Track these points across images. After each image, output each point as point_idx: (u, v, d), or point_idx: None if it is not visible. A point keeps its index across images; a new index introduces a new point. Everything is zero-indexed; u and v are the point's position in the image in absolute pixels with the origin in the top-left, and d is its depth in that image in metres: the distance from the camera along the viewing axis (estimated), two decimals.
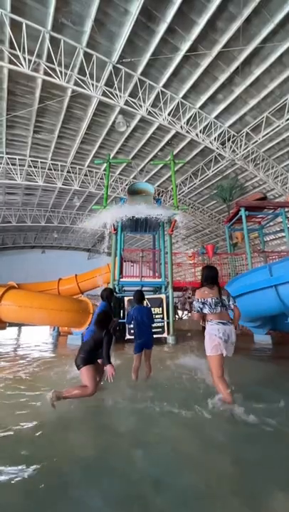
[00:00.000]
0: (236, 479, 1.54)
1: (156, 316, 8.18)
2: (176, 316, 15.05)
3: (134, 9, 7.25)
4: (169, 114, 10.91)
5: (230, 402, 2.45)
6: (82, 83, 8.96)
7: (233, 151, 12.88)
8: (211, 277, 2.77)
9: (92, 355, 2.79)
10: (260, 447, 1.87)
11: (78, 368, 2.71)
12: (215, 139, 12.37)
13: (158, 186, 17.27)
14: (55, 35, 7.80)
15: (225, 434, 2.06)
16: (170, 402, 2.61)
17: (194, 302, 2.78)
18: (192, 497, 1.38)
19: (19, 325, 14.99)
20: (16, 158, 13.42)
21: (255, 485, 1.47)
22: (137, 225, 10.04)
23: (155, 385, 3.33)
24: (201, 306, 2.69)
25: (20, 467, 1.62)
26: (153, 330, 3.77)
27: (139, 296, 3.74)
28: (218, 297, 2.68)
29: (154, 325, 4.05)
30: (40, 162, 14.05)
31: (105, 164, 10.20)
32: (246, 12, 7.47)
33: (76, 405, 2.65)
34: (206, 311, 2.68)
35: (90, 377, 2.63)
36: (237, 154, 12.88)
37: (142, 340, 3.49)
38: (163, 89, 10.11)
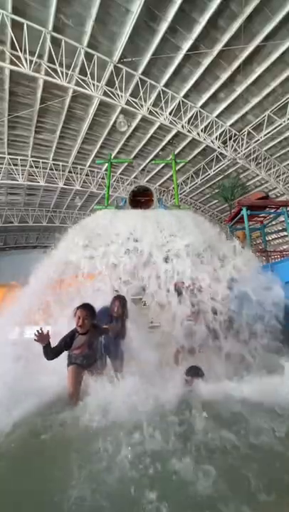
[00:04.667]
0: None
1: None
2: None
3: (136, 8, 7.21)
4: (170, 114, 10.87)
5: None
6: (83, 83, 8.96)
7: (235, 150, 12.83)
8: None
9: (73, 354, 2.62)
10: None
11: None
12: (216, 138, 12.32)
13: (159, 186, 17.25)
14: (56, 35, 7.79)
15: None
16: None
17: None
18: None
19: None
20: (17, 159, 13.43)
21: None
22: None
23: None
24: None
25: None
26: None
27: None
28: None
29: None
30: (42, 162, 14.05)
31: (107, 164, 10.18)
32: (248, 10, 7.42)
33: None
34: None
35: (68, 378, 2.49)
36: (238, 153, 12.83)
37: None
38: (164, 89, 10.08)
